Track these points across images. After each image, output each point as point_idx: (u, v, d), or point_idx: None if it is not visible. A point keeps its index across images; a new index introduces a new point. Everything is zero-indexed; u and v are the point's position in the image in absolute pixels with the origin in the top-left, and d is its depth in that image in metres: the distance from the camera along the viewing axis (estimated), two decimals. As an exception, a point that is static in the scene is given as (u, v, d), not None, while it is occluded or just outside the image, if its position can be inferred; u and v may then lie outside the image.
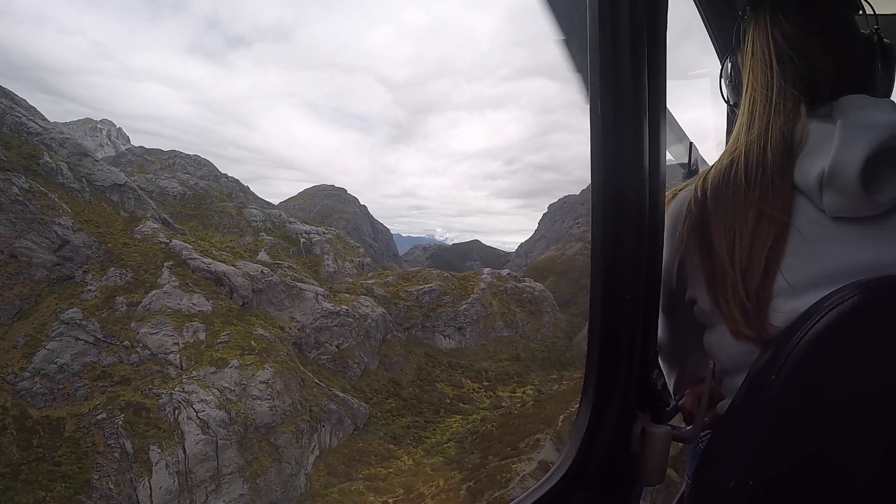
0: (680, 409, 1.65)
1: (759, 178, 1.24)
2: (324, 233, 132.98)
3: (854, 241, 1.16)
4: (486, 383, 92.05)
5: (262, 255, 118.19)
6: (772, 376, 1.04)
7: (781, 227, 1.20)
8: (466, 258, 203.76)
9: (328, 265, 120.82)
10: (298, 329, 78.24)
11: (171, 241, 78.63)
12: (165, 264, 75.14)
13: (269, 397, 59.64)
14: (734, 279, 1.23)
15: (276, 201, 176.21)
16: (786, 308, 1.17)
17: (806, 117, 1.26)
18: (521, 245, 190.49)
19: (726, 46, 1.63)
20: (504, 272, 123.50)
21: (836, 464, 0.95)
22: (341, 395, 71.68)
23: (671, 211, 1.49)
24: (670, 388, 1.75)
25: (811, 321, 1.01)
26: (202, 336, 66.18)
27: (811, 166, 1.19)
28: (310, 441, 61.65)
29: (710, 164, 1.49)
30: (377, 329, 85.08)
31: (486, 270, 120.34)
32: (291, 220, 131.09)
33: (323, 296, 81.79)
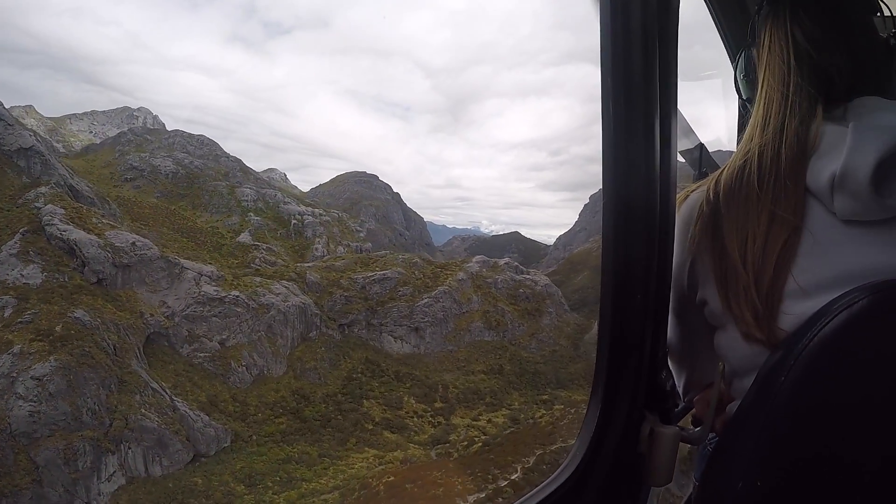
0: (689, 410, 1.66)
1: (773, 181, 1.24)
2: (321, 214, 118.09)
3: (865, 244, 1.15)
4: (439, 405, 68.17)
5: (244, 237, 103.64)
6: (781, 378, 1.03)
7: (793, 230, 1.19)
8: (505, 250, 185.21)
9: (317, 248, 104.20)
10: (167, 317, 58.88)
11: (44, 207, 62.15)
12: (20, 230, 58.96)
13: (34, 399, 41.55)
14: (746, 281, 1.22)
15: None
16: (796, 310, 1.16)
17: (822, 118, 1.25)
18: (560, 237, 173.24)
19: (738, 43, 1.65)
20: (503, 261, 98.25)
21: (844, 465, 0.95)
22: (183, 409, 51.15)
23: (682, 213, 1.46)
24: (679, 388, 1.73)
25: (821, 323, 1.00)
26: (7, 313, 49.24)
27: (823, 169, 1.18)
28: (95, 465, 41.88)
29: (721, 164, 1.50)
30: (288, 324, 64.02)
31: (477, 258, 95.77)
32: (287, 200, 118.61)
33: (210, 277, 61.94)
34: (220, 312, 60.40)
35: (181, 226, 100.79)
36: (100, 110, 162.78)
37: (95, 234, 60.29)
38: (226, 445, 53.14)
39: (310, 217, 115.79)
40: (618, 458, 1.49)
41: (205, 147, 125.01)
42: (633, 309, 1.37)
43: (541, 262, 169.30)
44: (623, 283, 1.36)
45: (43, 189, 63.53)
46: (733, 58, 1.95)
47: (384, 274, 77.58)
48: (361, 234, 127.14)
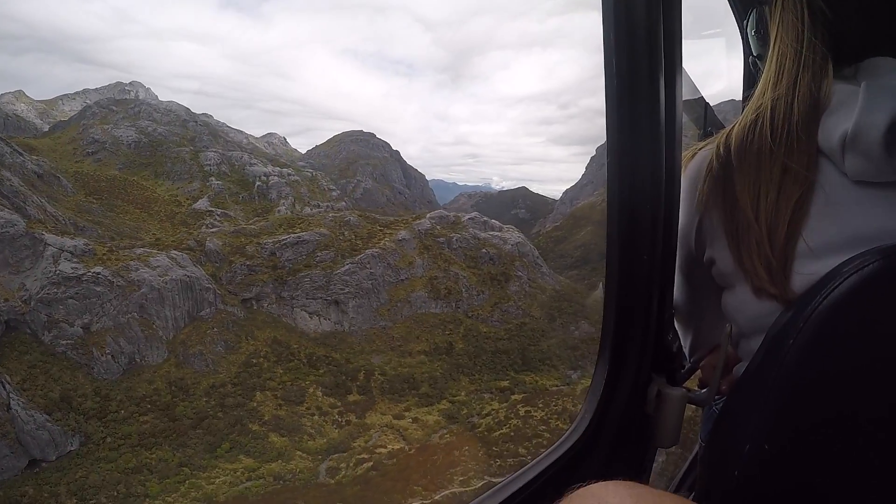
0: (695, 371, 1.68)
1: (785, 134, 1.21)
2: (288, 174, 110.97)
3: (877, 206, 1.12)
4: (354, 398, 56.46)
5: (202, 203, 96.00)
6: (790, 340, 1.02)
7: (807, 185, 1.17)
8: (512, 206, 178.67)
9: (280, 210, 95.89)
10: (24, 301, 49.44)
11: None
12: None
13: None
14: (759, 235, 1.20)
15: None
16: (805, 270, 1.15)
17: (832, 76, 1.22)
18: (567, 192, 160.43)
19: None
20: (466, 216, 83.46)
21: (852, 430, 0.95)
22: (16, 408, 42.55)
23: (689, 170, 1.43)
24: (686, 349, 1.72)
25: (831, 285, 0.99)
26: None
27: (834, 127, 1.16)
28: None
29: (725, 123, 1.48)
30: (166, 303, 53.29)
31: (433, 213, 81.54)
32: (253, 162, 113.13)
33: (72, 253, 51.49)
34: (77, 293, 50.81)
35: (136, 196, 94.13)
36: (92, 88, 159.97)
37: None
38: (72, 449, 45.35)
39: (276, 178, 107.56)
40: (625, 420, 1.51)
41: (172, 114, 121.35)
42: (639, 270, 1.37)
43: (547, 218, 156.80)
44: (629, 243, 1.35)
45: None
46: (741, 14, 1.97)
47: (299, 237, 65.12)
48: (334, 194, 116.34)
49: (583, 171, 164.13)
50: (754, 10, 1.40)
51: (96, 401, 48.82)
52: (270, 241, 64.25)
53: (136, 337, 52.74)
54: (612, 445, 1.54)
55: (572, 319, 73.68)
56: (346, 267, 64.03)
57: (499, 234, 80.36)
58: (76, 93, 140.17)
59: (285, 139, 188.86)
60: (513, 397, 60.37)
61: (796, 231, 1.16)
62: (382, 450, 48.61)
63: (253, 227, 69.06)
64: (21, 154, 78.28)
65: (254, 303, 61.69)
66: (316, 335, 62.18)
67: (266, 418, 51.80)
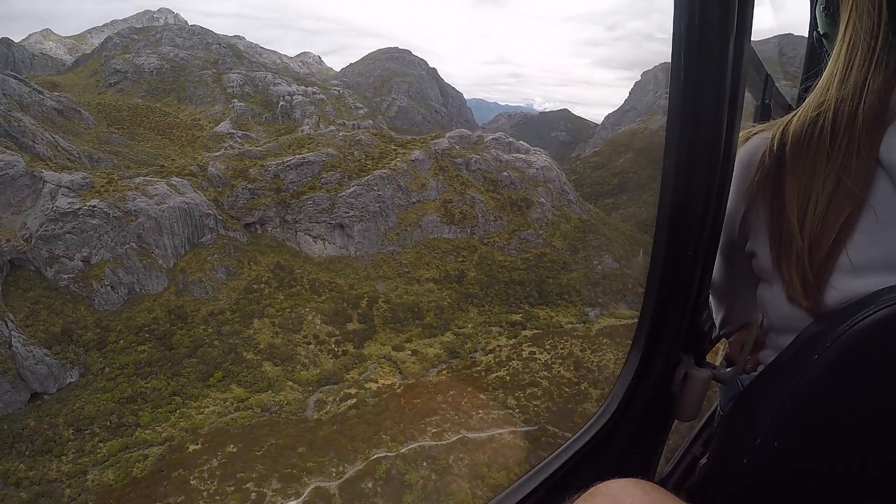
0: (720, 340, 1.77)
1: (845, 144, 1.15)
2: (313, 93, 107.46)
3: None
4: (354, 326, 54.41)
5: (224, 126, 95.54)
6: (814, 355, 1.03)
7: (858, 203, 1.12)
8: (553, 128, 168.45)
9: (303, 130, 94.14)
10: (25, 240, 50.04)
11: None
12: None
13: None
14: (801, 248, 1.19)
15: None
16: (843, 286, 1.14)
17: None
18: (609, 116, 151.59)
19: None
20: (490, 137, 76.25)
21: (857, 471, 0.97)
22: (17, 344, 44.03)
23: (742, 156, 1.39)
24: (716, 321, 1.77)
25: (865, 312, 0.98)
26: None
27: None
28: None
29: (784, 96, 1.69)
30: (164, 231, 52.42)
31: (450, 133, 74.81)
32: (277, 82, 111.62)
33: (68, 188, 51.11)
34: (73, 228, 50.99)
35: (158, 123, 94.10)
36: (120, 18, 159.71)
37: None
38: (72, 381, 46.00)
39: (300, 97, 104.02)
40: (652, 399, 1.58)
41: (195, 37, 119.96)
42: (685, 253, 1.37)
43: (588, 142, 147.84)
44: (680, 223, 1.34)
45: None
46: None
47: (304, 157, 61.36)
48: (361, 112, 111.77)
49: (626, 95, 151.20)
50: None
51: (97, 332, 49.24)
52: (274, 163, 61.09)
53: (135, 267, 52.31)
54: (637, 423, 1.62)
55: (596, 253, 67.18)
56: (352, 189, 60.17)
57: (524, 156, 73.14)
58: (104, 25, 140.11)
59: (320, 58, 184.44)
60: (523, 333, 56.26)
61: (840, 246, 1.12)
62: (372, 385, 46.56)
63: (259, 148, 65.92)
64: (41, 92, 78.29)
65: (258, 227, 59.74)
66: (320, 260, 59.88)
67: (261, 346, 50.84)
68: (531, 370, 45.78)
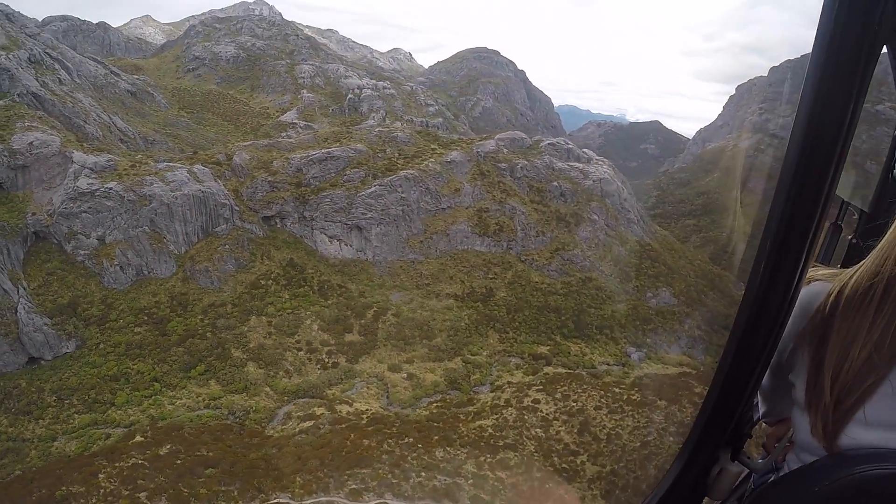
0: (754, 426, 1.93)
1: (885, 322, 1.31)
2: (384, 87, 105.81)
3: None
4: (353, 338, 49.68)
5: (289, 115, 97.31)
6: (814, 487, 1.29)
7: (882, 376, 1.32)
8: (642, 140, 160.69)
9: (369, 123, 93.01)
10: (49, 215, 51.54)
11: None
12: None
13: None
14: (828, 402, 1.41)
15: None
16: (854, 435, 1.37)
17: None
18: (700, 131, 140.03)
19: None
20: (546, 142, 68.21)
21: None
22: (22, 311, 45.07)
23: (803, 297, 1.55)
24: (759, 412, 1.94)
25: (863, 468, 1.23)
26: None
27: None
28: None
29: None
30: (176, 218, 51.50)
31: (504, 135, 67.80)
32: (348, 74, 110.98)
33: (91, 169, 52.01)
34: (90, 208, 51.80)
35: (227, 109, 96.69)
36: (218, 8, 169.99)
37: None
38: (68, 352, 46.79)
39: (369, 91, 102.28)
40: (684, 491, 1.75)
41: (274, 27, 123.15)
42: (750, 360, 1.51)
43: (677, 157, 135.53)
44: (752, 334, 1.47)
45: (1, 102, 58.91)
46: None
47: (329, 152, 57.61)
48: (431, 109, 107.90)
49: (720, 110, 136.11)
50: None
51: (101, 308, 49.14)
52: (298, 156, 57.96)
53: (145, 250, 51.61)
54: None
55: (651, 284, 56.78)
56: (373, 189, 55.37)
57: (580, 165, 64.19)
58: (202, 13, 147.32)
59: (410, 55, 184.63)
60: (545, 370, 47.96)
61: (859, 405, 1.33)
62: (345, 407, 41.31)
63: (291, 140, 63.35)
64: (117, 74, 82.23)
65: (277, 221, 56.95)
66: (335, 262, 55.77)
67: (251, 346, 47.63)
68: (522, 425, 37.46)
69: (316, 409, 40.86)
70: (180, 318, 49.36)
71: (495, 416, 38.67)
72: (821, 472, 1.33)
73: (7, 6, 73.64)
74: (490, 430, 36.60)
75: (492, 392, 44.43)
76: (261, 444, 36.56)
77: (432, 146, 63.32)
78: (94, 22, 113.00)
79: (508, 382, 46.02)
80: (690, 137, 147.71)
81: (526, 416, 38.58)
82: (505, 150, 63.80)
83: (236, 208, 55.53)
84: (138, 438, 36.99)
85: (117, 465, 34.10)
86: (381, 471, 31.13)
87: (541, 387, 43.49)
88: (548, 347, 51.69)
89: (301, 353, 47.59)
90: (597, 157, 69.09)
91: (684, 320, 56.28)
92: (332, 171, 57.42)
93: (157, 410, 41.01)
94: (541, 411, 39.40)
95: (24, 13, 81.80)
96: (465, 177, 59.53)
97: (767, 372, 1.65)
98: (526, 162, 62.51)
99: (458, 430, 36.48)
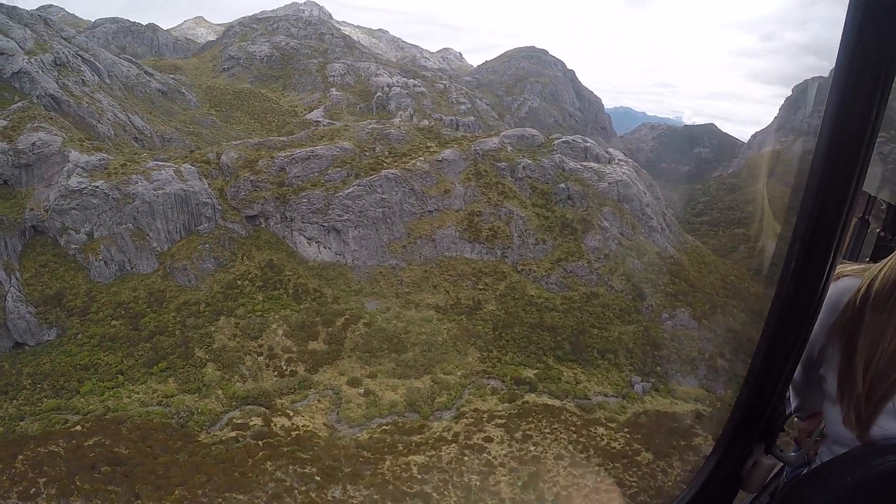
0: (788, 420, 1.96)
1: None
2: (413, 86, 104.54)
3: None
4: (318, 346, 47.06)
5: (316, 113, 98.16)
6: (847, 476, 1.34)
7: None
8: (696, 143, 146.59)
9: (395, 122, 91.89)
10: (45, 210, 53.51)
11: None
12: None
13: None
14: (860, 392, 1.47)
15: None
16: (885, 425, 1.43)
17: None
18: (755, 135, 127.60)
19: None
20: (561, 139, 61.61)
21: None
22: (9, 299, 47.05)
23: (832, 294, 1.59)
24: (791, 406, 1.96)
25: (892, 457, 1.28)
26: None
27: None
28: None
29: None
30: (157, 216, 51.51)
31: (511, 132, 62.16)
32: (379, 73, 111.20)
33: (83, 168, 53.41)
34: (77, 205, 52.98)
35: (255, 107, 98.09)
36: (269, 9, 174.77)
37: (6, 141, 56.05)
38: (49, 339, 48.56)
39: (398, 88, 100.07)
40: (720, 484, 1.81)
41: (310, 27, 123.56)
42: (779, 359, 1.58)
43: (732, 162, 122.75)
44: (783, 333, 1.53)
45: (20, 103, 62.37)
46: None
47: (312, 150, 55.02)
48: (463, 108, 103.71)
49: (776, 113, 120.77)
50: None
51: (84, 301, 49.98)
52: (282, 154, 55.86)
53: (127, 247, 51.92)
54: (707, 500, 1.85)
55: (669, 302, 48.86)
56: (350, 189, 52.01)
57: (596, 165, 57.14)
58: (252, 15, 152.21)
59: (460, 54, 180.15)
60: (525, 398, 42.22)
61: (890, 395, 1.39)
62: (284, 420, 38.28)
63: (282, 138, 61.52)
64: (150, 74, 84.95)
65: (261, 221, 55.28)
66: (314, 265, 53.14)
67: (214, 346, 46.14)
68: (455, 469, 32.08)
69: (253, 418, 38.24)
70: (154, 313, 48.96)
71: (431, 453, 33.70)
72: (854, 461, 1.37)
73: (60, 8, 77.48)
74: (414, 471, 31.75)
75: (452, 421, 39.51)
76: (179, 448, 34.91)
77: (428, 144, 59.00)
78: (144, 24, 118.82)
79: (475, 410, 40.90)
80: (745, 141, 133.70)
81: (466, 458, 33.26)
82: (509, 148, 58.17)
83: (219, 207, 54.50)
84: (81, 428, 37.03)
85: (39, 449, 34.39)
86: (256, 501, 27.68)
87: (503, 420, 37.88)
88: (535, 371, 45.82)
89: (261, 357, 45.32)
90: (621, 157, 61.54)
91: (705, 346, 48.01)
92: (315, 170, 54.86)
93: (114, 402, 41.46)
94: (488, 453, 33.91)
95: (79, 15, 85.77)
96: (458, 177, 54.73)
97: (799, 367, 1.67)
98: (530, 161, 56.53)
99: (379, 465, 32.00)
